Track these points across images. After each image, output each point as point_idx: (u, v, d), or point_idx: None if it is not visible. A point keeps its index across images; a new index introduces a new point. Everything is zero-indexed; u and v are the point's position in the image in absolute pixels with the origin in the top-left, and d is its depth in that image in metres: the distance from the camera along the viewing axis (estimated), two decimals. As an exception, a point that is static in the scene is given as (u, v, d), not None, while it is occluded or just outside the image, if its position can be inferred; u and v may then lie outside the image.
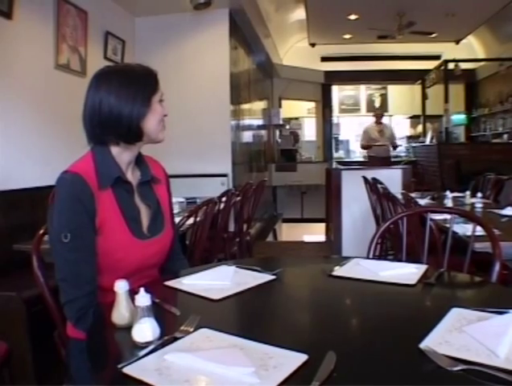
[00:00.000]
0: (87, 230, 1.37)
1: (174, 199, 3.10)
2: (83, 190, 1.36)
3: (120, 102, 1.40)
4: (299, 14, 8.28)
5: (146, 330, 0.99)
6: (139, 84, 1.44)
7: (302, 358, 0.90)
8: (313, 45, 10.23)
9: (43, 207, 1.89)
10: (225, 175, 5.58)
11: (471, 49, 10.24)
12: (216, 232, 3.39)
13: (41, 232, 1.70)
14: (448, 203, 3.53)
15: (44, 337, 2.04)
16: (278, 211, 9.51)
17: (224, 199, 3.53)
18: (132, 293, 1.08)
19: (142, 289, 1.01)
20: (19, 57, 3.62)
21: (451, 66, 9.18)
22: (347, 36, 9.59)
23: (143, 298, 1.00)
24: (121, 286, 1.11)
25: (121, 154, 1.49)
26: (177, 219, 2.57)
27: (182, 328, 1.05)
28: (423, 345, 0.94)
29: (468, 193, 3.77)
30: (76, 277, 1.35)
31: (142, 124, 1.44)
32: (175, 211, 3.17)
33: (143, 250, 1.47)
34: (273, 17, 7.36)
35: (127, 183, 1.50)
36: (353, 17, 8.26)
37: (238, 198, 3.96)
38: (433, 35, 8.67)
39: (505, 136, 9.30)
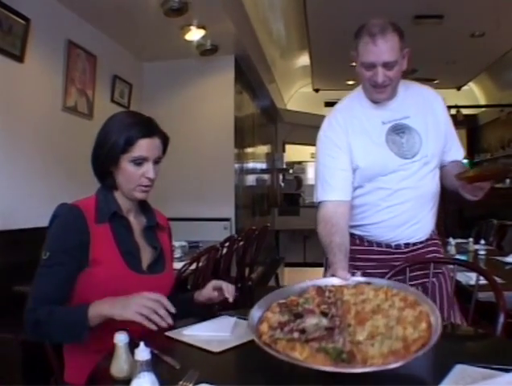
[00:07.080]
0: (69, 259, 1.39)
1: (176, 243, 3.12)
2: (77, 221, 1.42)
3: (96, 148, 1.51)
4: (304, 60, 8.44)
5: (144, 386, 0.97)
6: (117, 137, 1.46)
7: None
8: (317, 90, 10.38)
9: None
10: (227, 219, 5.59)
11: (472, 95, 10.38)
12: (218, 278, 3.36)
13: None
14: (451, 249, 3.51)
15: (40, 381, 2.00)
16: (280, 255, 9.45)
17: (226, 244, 3.53)
18: (132, 343, 1.07)
19: (142, 343, 1.00)
20: (28, 98, 3.69)
21: (453, 112, 9.29)
22: (350, 82, 9.75)
23: (143, 353, 0.99)
24: (120, 339, 1.10)
25: (122, 198, 1.54)
26: (179, 265, 2.57)
27: (181, 383, 1.03)
28: (426, 405, 0.92)
29: (471, 239, 3.75)
30: (39, 292, 1.37)
31: (114, 175, 1.51)
32: (177, 255, 3.17)
33: (140, 283, 1.45)
34: (278, 63, 7.50)
35: (124, 219, 1.53)
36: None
37: (241, 243, 3.95)
38: (435, 82, 8.81)
39: (508, 181, 9.30)
